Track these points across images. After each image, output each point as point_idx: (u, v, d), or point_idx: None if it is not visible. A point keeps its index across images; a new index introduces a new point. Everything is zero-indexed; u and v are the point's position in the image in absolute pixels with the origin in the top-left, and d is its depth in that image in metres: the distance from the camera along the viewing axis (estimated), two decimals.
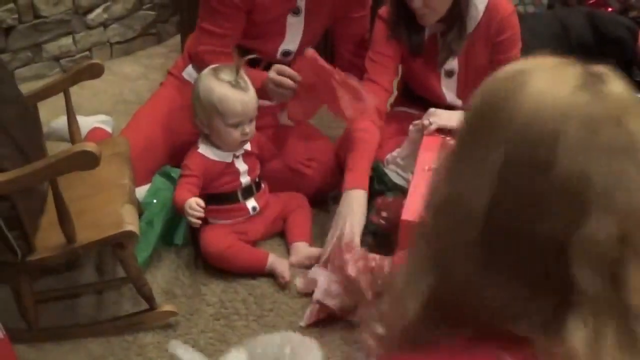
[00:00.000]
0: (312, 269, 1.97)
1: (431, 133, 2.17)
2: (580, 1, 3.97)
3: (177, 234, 2.07)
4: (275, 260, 2.00)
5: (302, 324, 1.84)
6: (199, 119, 1.98)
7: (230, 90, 1.93)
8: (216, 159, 2.02)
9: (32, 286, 1.73)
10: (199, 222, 1.90)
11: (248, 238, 2.05)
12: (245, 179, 2.06)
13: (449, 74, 2.29)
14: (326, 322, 1.84)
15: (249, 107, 1.96)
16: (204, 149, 2.02)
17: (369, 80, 2.29)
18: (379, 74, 2.28)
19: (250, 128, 1.98)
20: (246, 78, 1.97)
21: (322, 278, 1.87)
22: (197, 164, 2.00)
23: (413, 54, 2.29)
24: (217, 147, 2.02)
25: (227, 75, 1.95)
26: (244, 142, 2.01)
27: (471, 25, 2.19)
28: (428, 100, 2.37)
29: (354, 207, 2.01)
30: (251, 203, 2.09)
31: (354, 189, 2.04)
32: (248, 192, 2.08)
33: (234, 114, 1.93)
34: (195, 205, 1.88)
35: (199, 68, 2.33)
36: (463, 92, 2.32)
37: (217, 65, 2.00)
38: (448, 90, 2.33)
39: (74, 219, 1.60)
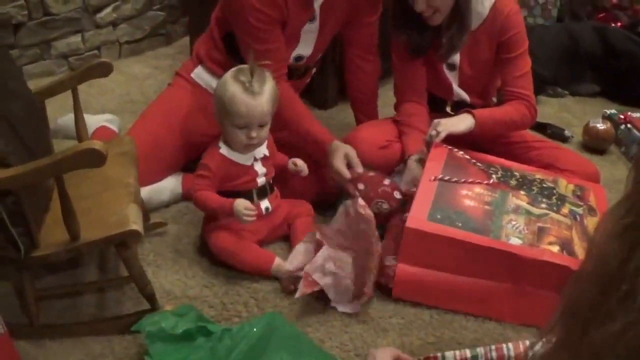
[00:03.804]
0: (300, 246, 1.99)
1: (439, 144, 2.18)
2: (589, 15, 3.98)
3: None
4: (282, 264, 1.99)
5: (296, 296, 1.84)
6: (216, 117, 1.99)
7: (240, 92, 1.91)
8: (237, 160, 2.02)
9: (34, 283, 1.73)
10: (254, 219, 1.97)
11: (252, 237, 2.06)
12: (261, 180, 2.07)
13: (451, 67, 2.36)
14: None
15: (255, 112, 1.92)
16: (225, 150, 2.02)
17: (406, 102, 2.42)
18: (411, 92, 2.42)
19: (257, 133, 1.96)
20: (262, 82, 1.94)
21: (320, 253, 1.88)
22: (218, 164, 2.00)
23: (416, 55, 2.35)
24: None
25: (244, 78, 1.94)
26: (251, 146, 2.00)
27: (476, 22, 2.24)
28: (435, 96, 2.41)
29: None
30: (265, 203, 2.09)
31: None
32: (263, 192, 2.09)
33: (239, 115, 1.92)
34: (249, 206, 1.94)
35: (212, 72, 2.33)
36: (465, 86, 2.37)
37: (238, 67, 1.98)
38: (453, 82, 2.38)
39: (79, 216, 1.60)
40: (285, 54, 2.24)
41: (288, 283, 1.96)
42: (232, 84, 1.93)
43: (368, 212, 1.90)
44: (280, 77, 2.17)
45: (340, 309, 1.90)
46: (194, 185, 2.02)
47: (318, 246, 1.92)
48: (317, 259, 1.87)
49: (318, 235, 1.92)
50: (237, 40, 2.22)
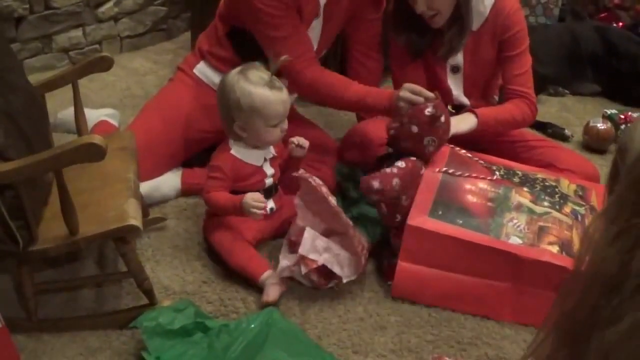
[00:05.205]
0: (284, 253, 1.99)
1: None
2: (591, 14, 3.98)
3: None
4: (271, 277, 1.92)
5: (302, 273, 1.87)
6: (237, 124, 1.96)
7: (270, 92, 1.92)
8: (248, 161, 2.02)
9: (33, 277, 1.72)
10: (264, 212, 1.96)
11: (254, 235, 2.05)
12: (269, 181, 2.07)
13: (455, 69, 2.35)
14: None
15: (287, 105, 1.98)
16: (237, 151, 2.01)
17: None
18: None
19: (286, 124, 2.01)
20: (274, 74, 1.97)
21: (306, 234, 1.89)
22: (229, 166, 1.99)
23: (415, 56, 2.35)
24: (252, 148, 2.02)
25: (260, 77, 1.93)
26: (281, 137, 2.04)
27: (478, 22, 2.24)
28: None
29: None
30: (270, 204, 2.09)
31: None
32: (269, 193, 2.08)
33: (277, 115, 1.94)
34: (258, 197, 1.93)
35: (215, 68, 2.33)
36: (469, 88, 2.37)
37: (242, 67, 1.98)
38: (454, 86, 2.37)
39: (78, 211, 1.60)
40: (308, 39, 2.22)
41: (264, 295, 1.90)
42: (255, 88, 1.92)
43: (322, 189, 1.94)
44: (311, 61, 2.20)
45: (353, 278, 1.93)
46: (206, 187, 2.00)
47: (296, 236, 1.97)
48: (306, 241, 1.88)
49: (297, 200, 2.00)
50: (256, 35, 2.20)
